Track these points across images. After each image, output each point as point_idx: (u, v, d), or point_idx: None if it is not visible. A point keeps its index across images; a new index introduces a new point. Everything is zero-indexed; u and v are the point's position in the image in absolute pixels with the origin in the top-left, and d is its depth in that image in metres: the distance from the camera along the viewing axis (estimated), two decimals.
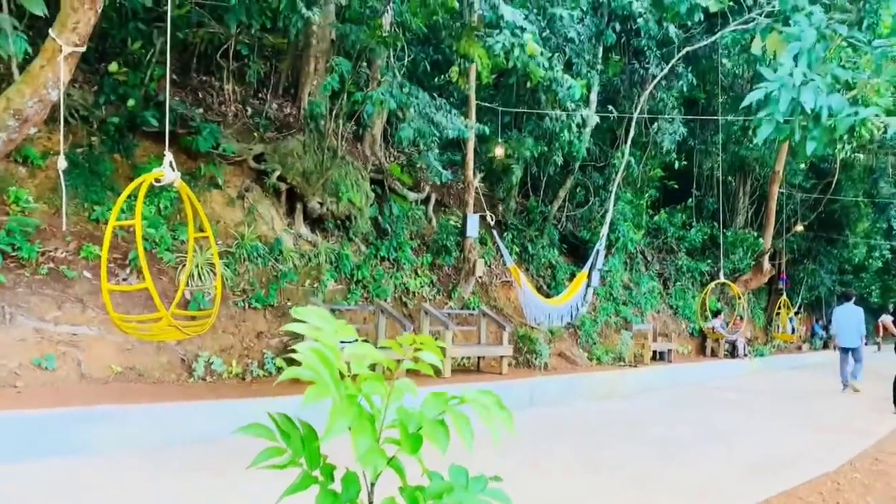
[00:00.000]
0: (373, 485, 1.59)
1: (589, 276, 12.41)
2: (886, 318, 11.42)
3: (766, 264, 18.60)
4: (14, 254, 7.18)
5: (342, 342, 1.69)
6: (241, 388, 7.50)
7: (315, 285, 9.96)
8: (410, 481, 1.66)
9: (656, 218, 18.89)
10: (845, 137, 17.93)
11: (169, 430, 5.98)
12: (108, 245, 5.46)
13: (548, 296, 13.24)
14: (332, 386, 1.53)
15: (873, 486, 5.79)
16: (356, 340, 1.70)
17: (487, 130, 11.39)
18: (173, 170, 5.51)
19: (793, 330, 22.96)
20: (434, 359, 1.67)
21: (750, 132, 18.54)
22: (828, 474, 6.09)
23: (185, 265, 8.48)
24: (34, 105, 6.24)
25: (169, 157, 5.52)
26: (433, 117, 9.45)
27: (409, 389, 1.69)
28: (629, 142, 14.04)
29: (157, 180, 5.45)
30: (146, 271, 5.41)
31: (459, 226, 12.68)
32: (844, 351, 12.99)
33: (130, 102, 8.90)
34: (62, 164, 5.77)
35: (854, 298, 12.62)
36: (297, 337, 8.38)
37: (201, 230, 6.79)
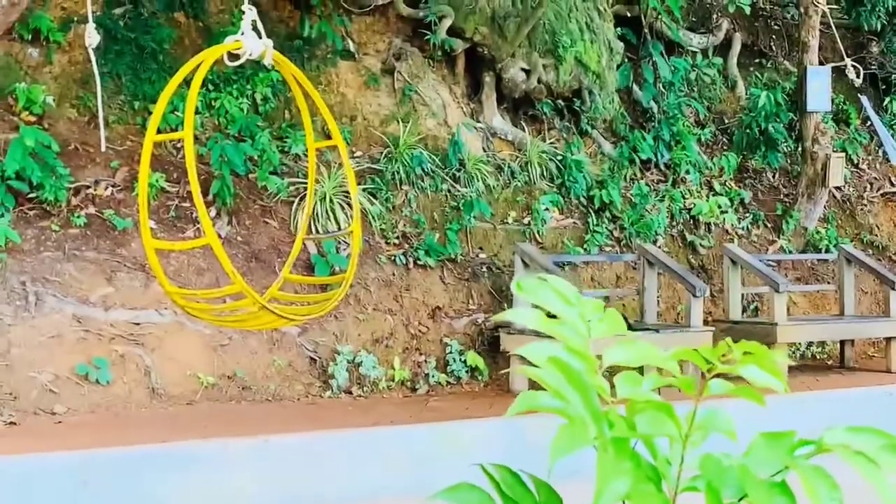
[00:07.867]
0: None
1: None
2: None
3: None
4: (32, 194, 4.87)
5: None
6: (413, 406, 5.09)
7: (525, 220, 6.83)
8: None
9: None
10: None
11: (299, 494, 4.06)
12: (147, 174, 3.53)
13: None
14: (590, 425, 0.91)
15: None
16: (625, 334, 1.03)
17: None
18: (259, 35, 3.46)
19: None
20: (771, 380, 0.99)
21: None
22: None
23: (303, 198, 5.47)
24: None
25: (251, 13, 3.42)
26: None
27: (720, 429, 1.02)
28: None
29: (234, 54, 3.43)
30: (202, 213, 3.67)
31: (791, 93, 8.10)
32: None
33: None
34: (93, 37, 3.87)
35: None
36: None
37: (326, 136, 4.52)
